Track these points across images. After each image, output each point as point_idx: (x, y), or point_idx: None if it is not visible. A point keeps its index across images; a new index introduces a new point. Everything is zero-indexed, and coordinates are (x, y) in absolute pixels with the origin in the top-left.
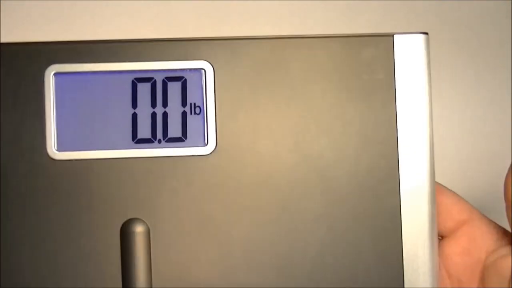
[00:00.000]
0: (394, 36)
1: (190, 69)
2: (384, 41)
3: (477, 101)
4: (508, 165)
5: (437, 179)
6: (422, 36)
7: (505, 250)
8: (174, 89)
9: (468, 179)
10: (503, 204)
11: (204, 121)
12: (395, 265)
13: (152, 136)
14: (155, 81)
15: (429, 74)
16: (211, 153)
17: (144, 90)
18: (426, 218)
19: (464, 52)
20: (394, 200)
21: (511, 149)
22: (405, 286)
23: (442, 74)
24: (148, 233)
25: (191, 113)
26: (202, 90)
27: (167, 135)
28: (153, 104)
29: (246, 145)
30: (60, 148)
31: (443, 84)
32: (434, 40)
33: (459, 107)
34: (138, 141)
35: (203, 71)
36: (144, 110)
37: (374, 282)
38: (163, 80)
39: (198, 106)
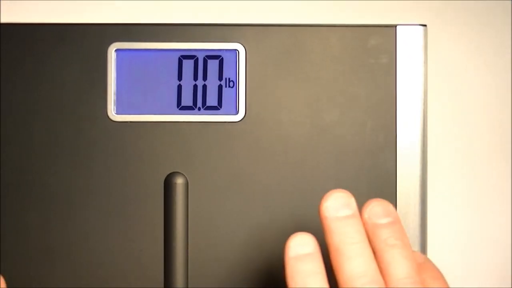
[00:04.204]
0: (397, 26)
1: (226, 50)
2: (388, 31)
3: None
4: (508, 163)
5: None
6: (421, 28)
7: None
8: (212, 65)
9: (466, 177)
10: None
11: (236, 93)
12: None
13: (193, 104)
14: (197, 58)
15: (426, 60)
16: (241, 120)
17: (188, 65)
18: (417, 174)
19: (463, 50)
20: (391, 163)
21: (511, 148)
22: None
23: (440, 72)
24: (187, 184)
25: (226, 86)
26: (235, 68)
27: (205, 104)
28: (195, 78)
29: (271, 115)
30: (118, 111)
31: (442, 83)
32: (434, 38)
33: (459, 105)
34: (182, 108)
35: (237, 51)
36: (187, 82)
37: None
38: (204, 58)
39: (232, 81)
